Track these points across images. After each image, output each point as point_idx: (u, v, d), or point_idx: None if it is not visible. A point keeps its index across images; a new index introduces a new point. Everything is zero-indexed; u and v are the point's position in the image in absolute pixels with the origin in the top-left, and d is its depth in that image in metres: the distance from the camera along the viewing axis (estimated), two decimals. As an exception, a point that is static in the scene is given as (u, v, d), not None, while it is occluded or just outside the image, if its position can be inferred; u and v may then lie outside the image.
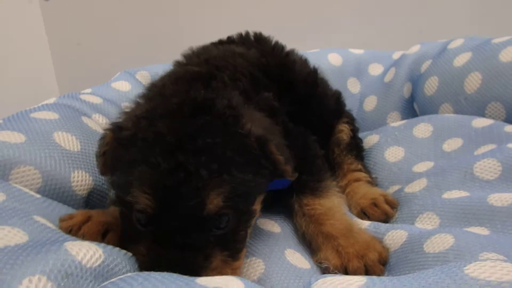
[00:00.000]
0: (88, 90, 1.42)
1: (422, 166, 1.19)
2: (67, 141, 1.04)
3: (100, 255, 0.66)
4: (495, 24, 2.32)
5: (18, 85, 2.20)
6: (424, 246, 0.78)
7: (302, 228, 0.94)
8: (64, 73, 2.50)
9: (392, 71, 1.75)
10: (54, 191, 0.95)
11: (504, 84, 1.28)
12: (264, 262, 0.84)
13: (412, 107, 1.63)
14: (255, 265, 0.83)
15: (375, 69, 1.89)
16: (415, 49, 1.73)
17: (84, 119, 1.18)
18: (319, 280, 0.49)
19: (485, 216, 0.84)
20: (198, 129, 0.75)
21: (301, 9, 2.45)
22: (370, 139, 1.42)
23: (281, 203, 1.01)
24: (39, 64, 2.43)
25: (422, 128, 1.32)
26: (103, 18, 2.50)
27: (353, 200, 1.13)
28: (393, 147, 1.32)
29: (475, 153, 1.12)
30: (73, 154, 1.02)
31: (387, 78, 1.76)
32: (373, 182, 1.22)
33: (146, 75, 1.66)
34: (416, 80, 1.60)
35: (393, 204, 1.06)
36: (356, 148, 1.32)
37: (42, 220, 0.77)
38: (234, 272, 0.77)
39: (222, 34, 1.37)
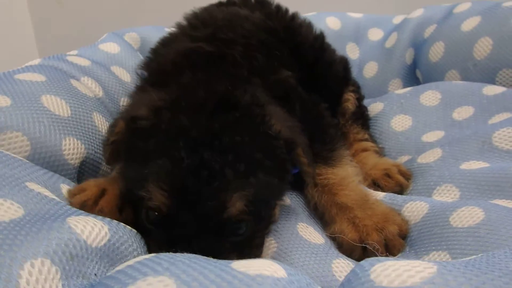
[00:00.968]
0: (74, 52, 1.32)
1: (432, 136, 1.14)
2: (57, 105, 0.95)
3: (106, 233, 0.59)
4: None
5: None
6: (451, 219, 0.74)
7: (314, 199, 0.89)
8: (43, 34, 2.33)
9: (394, 36, 1.68)
10: (44, 159, 0.87)
11: (517, 50, 1.23)
12: (276, 240, 0.78)
13: (414, 74, 1.57)
14: (266, 243, 0.78)
15: (375, 34, 1.82)
16: (417, 13, 1.66)
17: (73, 82, 1.08)
18: (376, 266, 0.43)
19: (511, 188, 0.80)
20: (224, 126, 0.69)
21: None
22: (374, 107, 1.37)
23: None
24: (17, 24, 2.25)
25: (430, 96, 1.27)
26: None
27: (362, 171, 1.07)
28: (399, 115, 1.27)
29: (490, 122, 1.08)
30: (64, 120, 0.94)
31: (388, 44, 1.69)
32: (380, 152, 1.17)
33: (135, 36, 1.56)
34: (419, 45, 1.54)
35: (407, 175, 1.01)
36: (362, 117, 1.26)
37: (37, 188, 0.69)
38: None
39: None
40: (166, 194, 0.65)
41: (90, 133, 1.00)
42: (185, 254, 0.49)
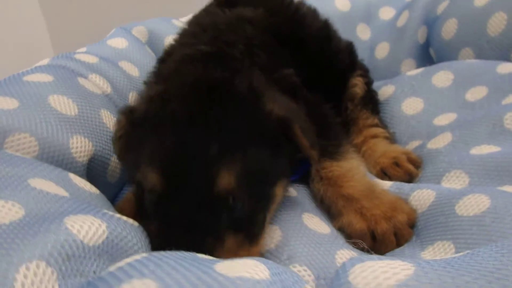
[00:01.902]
0: (83, 49, 1.34)
1: (444, 119, 1.11)
2: (64, 104, 0.97)
3: (103, 231, 0.61)
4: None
5: (10, 47, 2.09)
6: (456, 208, 0.72)
7: (320, 192, 0.88)
8: (57, 30, 2.36)
9: (405, 14, 1.63)
10: (52, 158, 0.89)
11: (532, 25, 1.17)
12: (281, 229, 0.78)
13: (428, 53, 1.52)
14: (271, 232, 0.78)
15: (386, 13, 1.77)
16: (430, -11, 1.60)
17: (81, 80, 1.10)
18: (355, 267, 0.43)
19: (521, 173, 0.77)
20: (211, 104, 0.70)
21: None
22: (384, 90, 1.34)
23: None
24: (31, 23, 2.29)
25: (442, 76, 1.23)
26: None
27: (371, 159, 1.06)
28: (410, 98, 1.24)
29: (503, 102, 1.04)
30: (71, 119, 0.96)
31: (400, 23, 1.64)
32: (391, 138, 1.15)
33: (143, 30, 1.57)
34: (432, 23, 1.49)
35: (416, 163, 0.99)
36: (372, 102, 1.24)
37: (40, 183, 0.71)
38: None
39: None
40: (158, 171, 0.66)
41: (98, 131, 1.01)
42: (174, 252, 0.50)
